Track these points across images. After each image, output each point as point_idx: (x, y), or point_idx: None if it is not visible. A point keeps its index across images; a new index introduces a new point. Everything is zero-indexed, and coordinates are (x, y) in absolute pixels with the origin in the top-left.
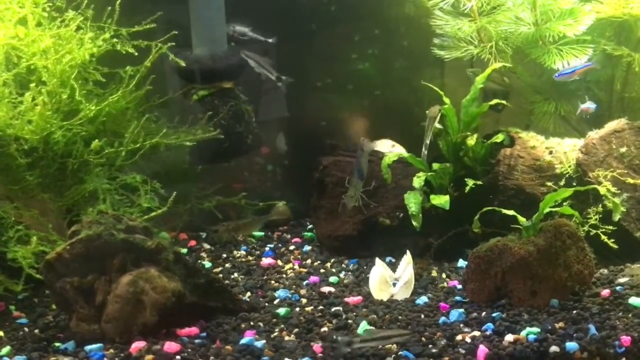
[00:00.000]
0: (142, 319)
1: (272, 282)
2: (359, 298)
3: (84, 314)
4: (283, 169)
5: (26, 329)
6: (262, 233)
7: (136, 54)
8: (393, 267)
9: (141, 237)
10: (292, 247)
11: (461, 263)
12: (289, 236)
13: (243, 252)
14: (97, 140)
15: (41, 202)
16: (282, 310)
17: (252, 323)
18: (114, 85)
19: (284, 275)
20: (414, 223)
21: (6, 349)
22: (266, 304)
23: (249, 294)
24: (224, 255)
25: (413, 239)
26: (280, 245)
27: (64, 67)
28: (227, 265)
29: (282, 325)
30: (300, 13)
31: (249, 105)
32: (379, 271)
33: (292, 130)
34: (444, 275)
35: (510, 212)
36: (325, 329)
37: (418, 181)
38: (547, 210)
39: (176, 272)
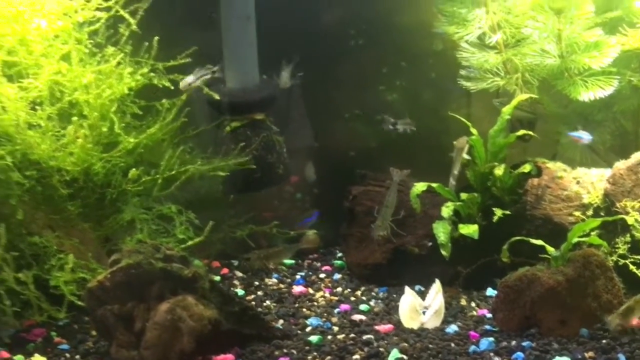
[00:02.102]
0: (179, 346)
1: (304, 309)
2: (390, 326)
3: (124, 341)
4: (312, 197)
5: (67, 355)
6: (293, 261)
7: (172, 87)
8: (422, 295)
9: (178, 265)
10: (322, 275)
11: (490, 292)
12: (319, 264)
13: (275, 280)
14: (134, 169)
15: (81, 231)
16: (314, 338)
17: (285, 350)
18: (150, 118)
19: (316, 303)
20: (443, 252)
21: None
22: (299, 332)
23: (281, 321)
24: (256, 283)
25: (441, 267)
26: (310, 273)
27: (103, 101)
28: (260, 293)
29: (315, 353)
30: (329, 45)
31: (280, 136)
32: (409, 299)
33: (321, 160)
34: (473, 304)
35: (539, 242)
36: (357, 356)
37: (447, 211)
38: (576, 240)
39: (212, 300)
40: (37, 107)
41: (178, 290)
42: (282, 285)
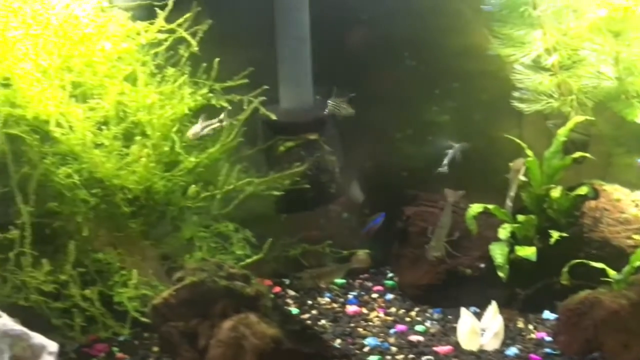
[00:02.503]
0: None
1: (360, 329)
2: (449, 347)
3: (188, 357)
4: (362, 217)
5: None
6: (344, 280)
7: (230, 107)
8: (478, 317)
9: (241, 284)
10: (374, 295)
11: (547, 314)
12: (370, 284)
13: (327, 299)
14: (194, 186)
15: (141, 249)
16: (373, 358)
17: None
18: (207, 137)
19: (371, 323)
20: (501, 274)
21: None
22: (357, 352)
23: (338, 340)
24: (309, 302)
25: (496, 289)
26: (363, 293)
27: (165, 121)
28: (314, 312)
29: None
30: (382, 66)
31: (333, 156)
32: (469, 321)
33: (372, 180)
34: (530, 327)
35: (600, 265)
36: None
37: (504, 232)
38: (638, 263)
39: (273, 318)
40: (101, 127)
41: (241, 308)
42: (335, 305)
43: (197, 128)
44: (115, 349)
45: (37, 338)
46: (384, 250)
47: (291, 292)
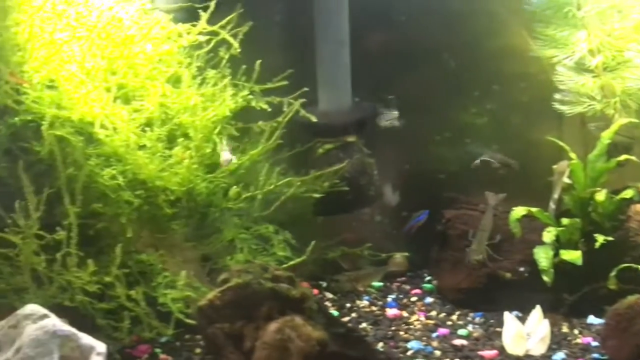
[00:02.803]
0: None
1: (402, 333)
2: (495, 352)
3: (233, 359)
4: (399, 221)
5: None
6: (381, 283)
7: (269, 109)
8: (520, 321)
9: (286, 286)
10: (413, 299)
11: (591, 319)
12: (408, 287)
13: (366, 302)
14: (235, 187)
15: (182, 250)
16: None
17: None
18: (246, 139)
19: (412, 327)
20: (545, 278)
21: None
22: (401, 355)
23: (380, 344)
24: (348, 305)
25: (539, 293)
26: (401, 296)
27: (207, 123)
28: (353, 314)
29: None
30: (421, 69)
31: (371, 159)
32: (514, 325)
33: (410, 182)
34: (575, 332)
35: None
36: None
37: (549, 236)
38: None
39: (318, 321)
40: (145, 129)
41: (286, 311)
42: (374, 308)
43: (227, 155)
44: (157, 350)
45: (86, 338)
46: (421, 254)
47: (329, 295)
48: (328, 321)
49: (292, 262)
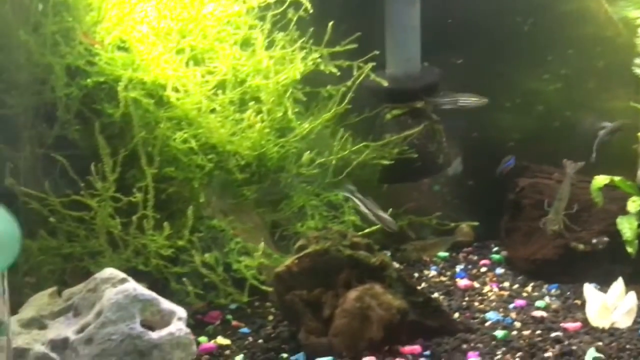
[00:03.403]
0: (368, 335)
1: (476, 303)
2: (578, 324)
3: (312, 327)
4: (465, 189)
5: (250, 339)
6: (447, 254)
7: (338, 73)
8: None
9: (365, 253)
10: (483, 269)
11: None
12: (475, 258)
13: (434, 272)
14: (308, 152)
15: (252, 217)
16: (500, 333)
17: (472, 345)
18: (315, 104)
19: (486, 298)
20: (629, 249)
21: (239, 357)
22: (479, 326)
23: (457, 314)
24: (416, 275)
25: (618, 265)
26: (470, 266)
27: (277, 87)
28: (423, 284)
29: (504, 349)
30: (493, 33)
31: (440, 125)
32: (599, 297)
33: (478, 150)
34: None
35: None
36: (549, 354)
37: (634, 206)
38: None
39: (397, 289)
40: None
41: (364, 279)
42: (443, 278)
43: None
44: (229, 317)
45: (166, 303)
46: (488, 223)
47: (395, 264)
48: (406, 290)
49: (367, 230)
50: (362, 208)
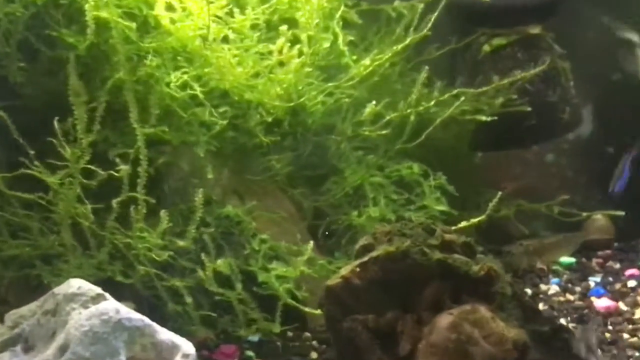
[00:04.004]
0: None
1: (625, 335)
2: None
3: None
4: (601, 161)
5: None
6: (573, 259)
7: None
8: None
9: (462, 258)
10: (631, 283)
11: None
12: (617, 265)
13: (555, 287)
14: (373, 103)
15: (279, 202)
16: None
17: None
18: (376, 30)
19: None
20: None
21: None
22: None
23: (598, 352)
24: (528, 291)
25: None
26: (610, 278)
27: (321, 3)
28: (542, 305)
29: None
30: None
31: (566, 62)
32: None
33: (621, 101)
34: None
35: None
36: None
37: None
38: None
39: (512, 313)
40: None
41: (462, 296)
42: (570, 297)
43: None
44: (250, 353)
45: (165, 333)
46: (636, 214)
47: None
48: (526, 314)
49: (462, 225)
50: None
